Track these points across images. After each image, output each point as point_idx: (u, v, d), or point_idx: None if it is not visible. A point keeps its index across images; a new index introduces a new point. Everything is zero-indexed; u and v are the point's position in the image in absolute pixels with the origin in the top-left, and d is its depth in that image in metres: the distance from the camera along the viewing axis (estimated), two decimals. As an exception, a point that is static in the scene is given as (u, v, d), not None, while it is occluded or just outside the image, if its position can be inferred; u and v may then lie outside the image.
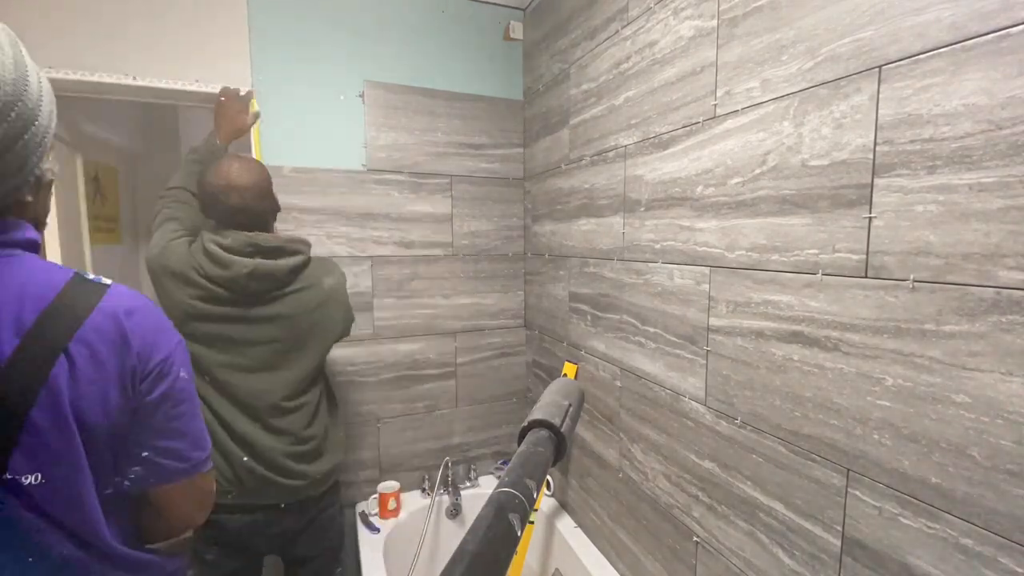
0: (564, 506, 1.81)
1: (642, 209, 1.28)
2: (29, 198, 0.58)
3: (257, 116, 1.50)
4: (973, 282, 0.64)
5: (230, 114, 1.37)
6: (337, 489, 1.40)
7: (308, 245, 1.27)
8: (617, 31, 1.35)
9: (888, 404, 0.75)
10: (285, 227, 1.64)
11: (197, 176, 1.26)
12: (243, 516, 1.19)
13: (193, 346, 1.13)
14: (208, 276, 1.13)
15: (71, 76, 1.37)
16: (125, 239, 2.55)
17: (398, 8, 1.73)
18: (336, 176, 1.70)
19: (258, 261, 1.14)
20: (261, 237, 1.17)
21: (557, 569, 1.64)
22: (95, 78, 1.39)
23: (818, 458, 0.86)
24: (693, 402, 1.14)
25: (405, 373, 1.86)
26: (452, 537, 1.86)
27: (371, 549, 1.60)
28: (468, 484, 1.95)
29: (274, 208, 1.28)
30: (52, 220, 1.46)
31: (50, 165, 0.60)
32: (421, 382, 1.89)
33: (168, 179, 1.33)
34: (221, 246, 1.13)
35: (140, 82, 1.44)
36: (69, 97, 1.47)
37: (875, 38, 0.74)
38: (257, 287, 1.16)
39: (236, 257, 1.13)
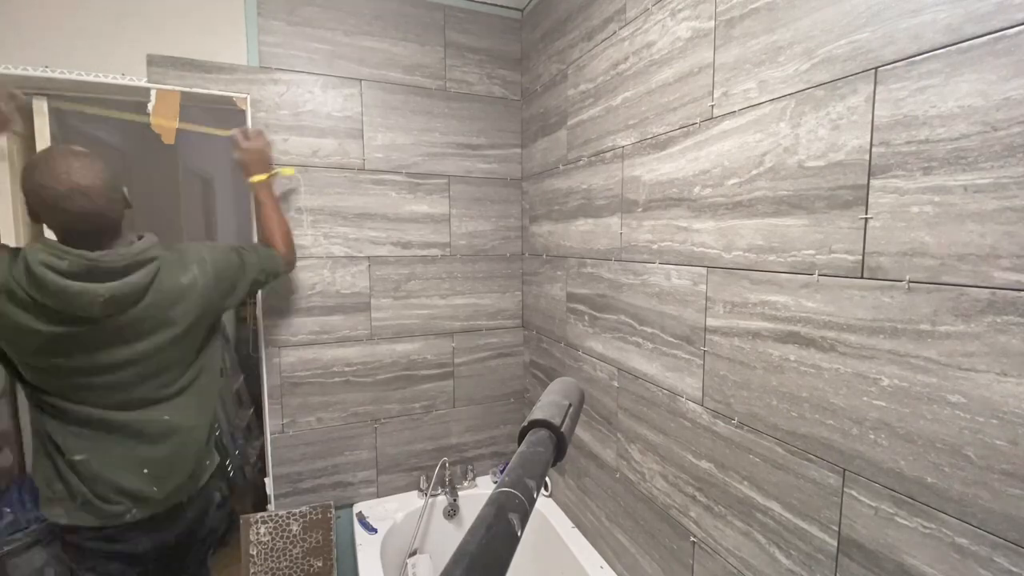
0: (561, 506, 1.81)
1: (639, 210, 1.28)
2: None
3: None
4: (968, 283, 0.65)
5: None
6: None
7: (157, 244, 1.12)
8: (615, 32, 1.35)
9: (884, 404, 0.75)
10: (282, 227, 1.63)
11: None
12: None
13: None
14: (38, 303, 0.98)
15: (67, 76, 1.36)
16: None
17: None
18: (333, 176, 1.69)
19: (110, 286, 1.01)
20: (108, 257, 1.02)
21: None
22: (91, 78, 1.39)
23: (814, 458, 0.86)
24: (690, 402, 1.14)
25: (402, 373, 1.86)
26: (449, 537, 1.86)
27: (368, 549, 1.60)
28: (466, 484, 1.95)
29: (125, 207, 1.12)
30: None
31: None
32: (418, 382, 1.89)
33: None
34: (56, 270, 0.96)
35: (136, 82, 1.43)
36: (67, 96, 1.46)
37: (871, 40, 0.74)
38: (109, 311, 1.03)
39: (77, 284, 0.97)
